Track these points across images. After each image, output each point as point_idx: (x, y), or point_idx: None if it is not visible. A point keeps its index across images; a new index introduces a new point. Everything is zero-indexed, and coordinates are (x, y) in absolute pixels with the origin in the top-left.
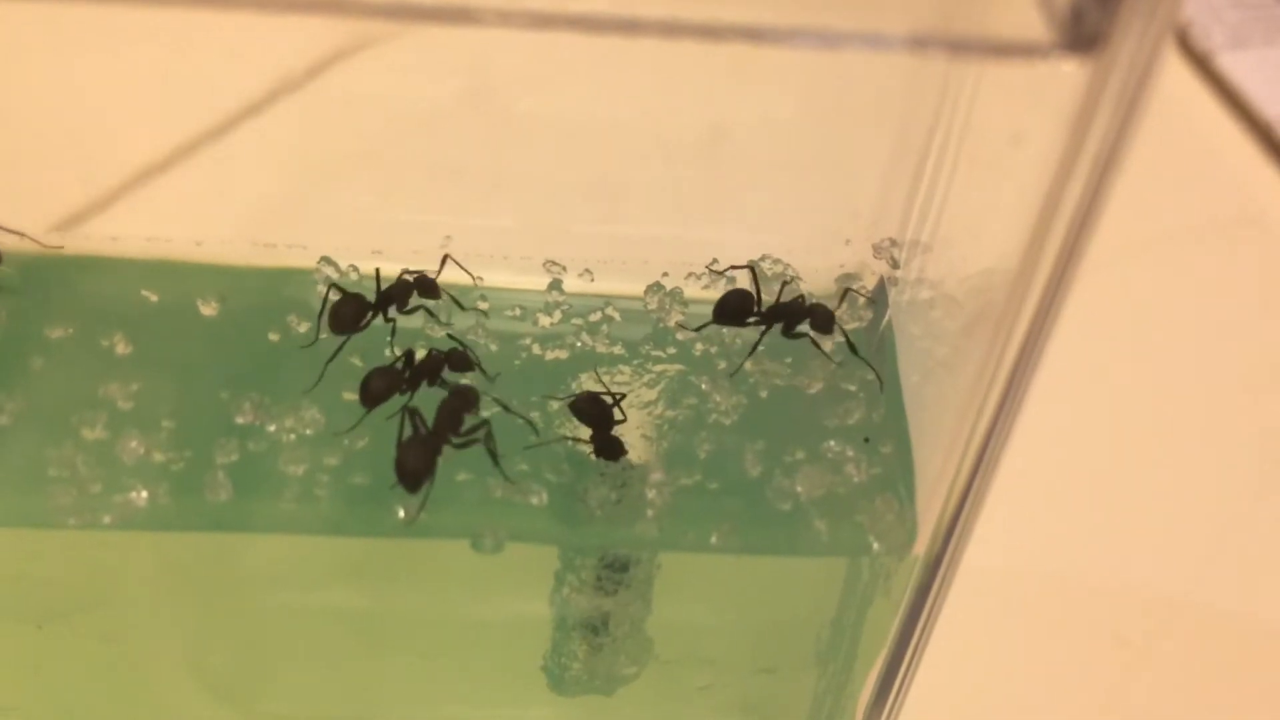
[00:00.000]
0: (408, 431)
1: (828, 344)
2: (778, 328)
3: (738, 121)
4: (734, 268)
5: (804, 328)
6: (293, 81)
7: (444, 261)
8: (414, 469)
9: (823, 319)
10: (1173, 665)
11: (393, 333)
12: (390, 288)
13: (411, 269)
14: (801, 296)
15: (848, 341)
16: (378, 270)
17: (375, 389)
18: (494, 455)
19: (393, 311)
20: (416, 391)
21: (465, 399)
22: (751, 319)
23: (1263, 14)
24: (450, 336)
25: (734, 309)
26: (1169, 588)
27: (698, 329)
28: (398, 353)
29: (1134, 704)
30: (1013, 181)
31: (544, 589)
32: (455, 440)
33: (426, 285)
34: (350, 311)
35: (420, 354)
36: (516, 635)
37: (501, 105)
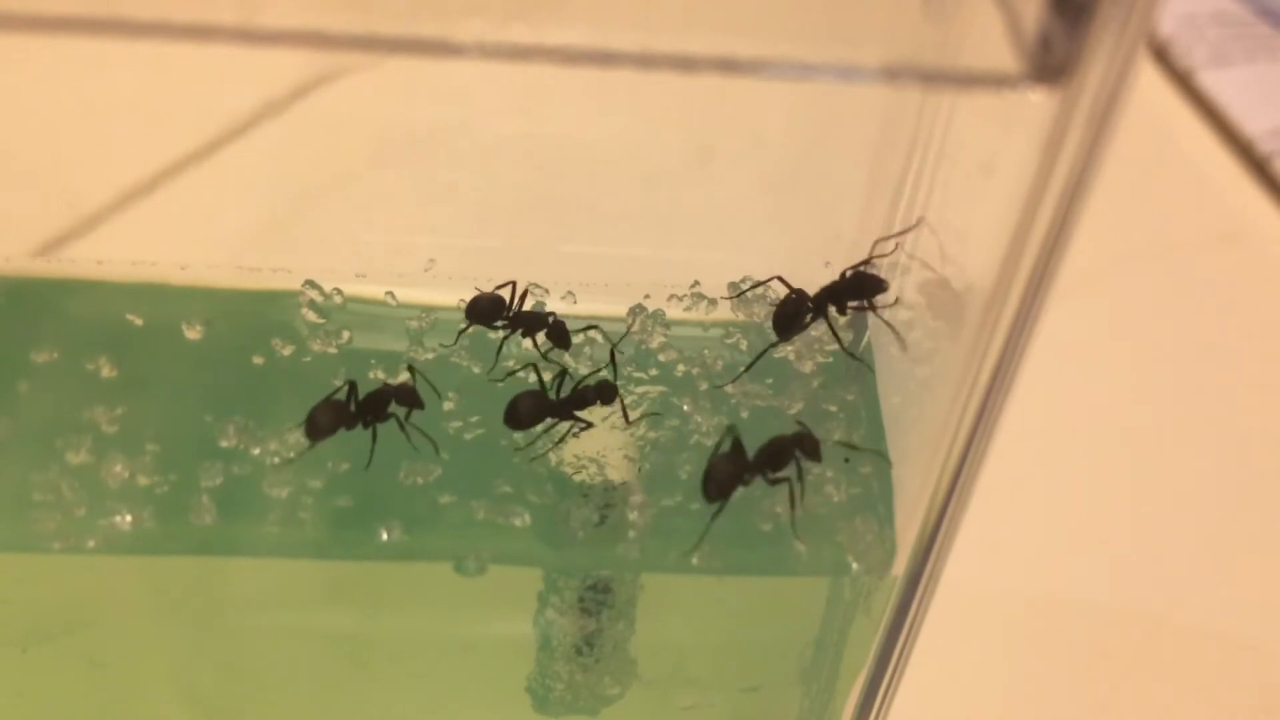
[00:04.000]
0: (725, 446)
1: (887, 311)
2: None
3: (719, 145)
4: (750, 288)
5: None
6: (277, 105)
7: (523, 296)
8: (720, 484)
9: (873, 283)
10: (1155, 680)
11: (498, 350)
12: (529, 314)
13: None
14: (859, 266)
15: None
16: (524, 293)
17: (321, 422)
18: (793, 501)
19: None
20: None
21: (807, 446)
22: (809, 317)
23: (1244, 31)
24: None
25: (793, 314)
26: (1149, 603)
27: (756, 358)
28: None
29: (1118, 718)
30: (987, 205)
31: (528, 610)
32: (771, 475)
33: (560, 333)
34: (487, 307)
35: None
36: (501, 656)
37: (484, 128)
